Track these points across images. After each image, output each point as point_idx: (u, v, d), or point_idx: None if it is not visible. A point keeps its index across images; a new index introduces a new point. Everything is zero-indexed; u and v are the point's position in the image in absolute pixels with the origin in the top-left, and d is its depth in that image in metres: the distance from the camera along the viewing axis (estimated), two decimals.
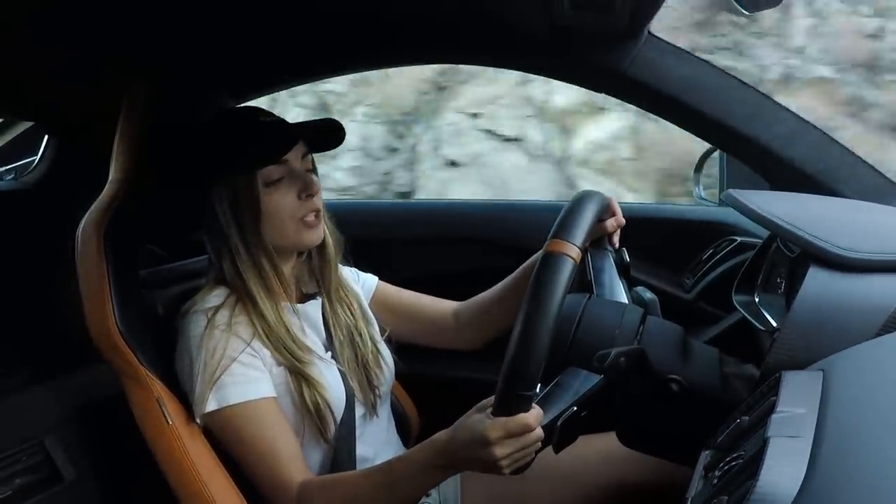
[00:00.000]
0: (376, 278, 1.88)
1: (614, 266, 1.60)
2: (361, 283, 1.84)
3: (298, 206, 1.53)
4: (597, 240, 1.63)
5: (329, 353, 1.62)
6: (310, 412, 1.51)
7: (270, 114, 1.58)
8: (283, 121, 1.58)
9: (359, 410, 1.61)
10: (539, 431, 1.22)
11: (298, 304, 1.63)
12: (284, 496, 1.45)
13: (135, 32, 1.63)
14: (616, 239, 1.65)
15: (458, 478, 1.72)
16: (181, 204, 1.56)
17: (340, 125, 1.59)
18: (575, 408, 1.28)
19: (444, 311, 1.85)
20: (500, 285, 1.79)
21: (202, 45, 1.80)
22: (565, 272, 1.18)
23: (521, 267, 1.74)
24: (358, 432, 1.61)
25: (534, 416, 1.21)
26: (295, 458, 1.48)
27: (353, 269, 1.85)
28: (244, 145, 1.51)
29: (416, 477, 1.37)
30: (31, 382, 1.98)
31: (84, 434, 1.88)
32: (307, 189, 1.53)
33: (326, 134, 1.59)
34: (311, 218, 1.54)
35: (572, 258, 1.20)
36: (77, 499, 1.92)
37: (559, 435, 1.27)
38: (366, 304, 1.81)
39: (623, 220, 1.63)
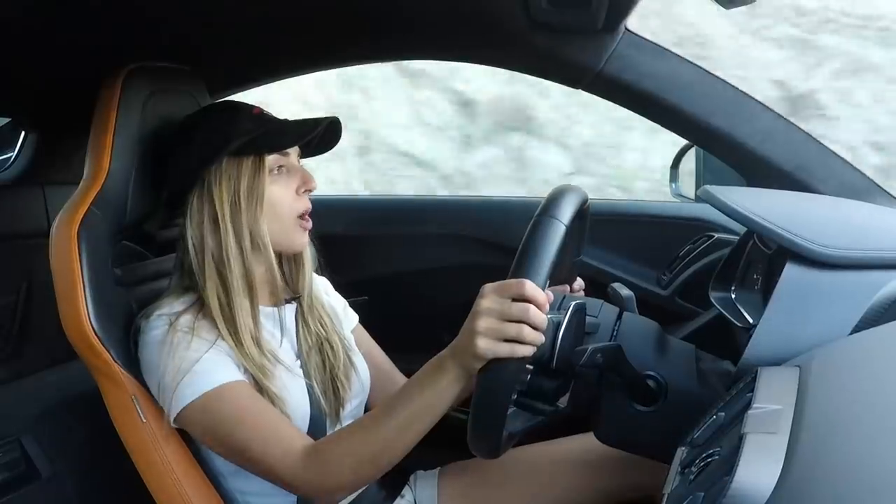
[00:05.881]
0: (357, 317, 1.84)
1: None
2: (344, 314, 1.80)
3: (295, 200, 1.52)
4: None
5: (299, 363, 1.57)
6: None
7: (270, 114, 1.57)
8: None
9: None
10: (535, 312, 1.17)
11: (272, 307, 1.59)
12: (290, 462, 1.36)
13: (112, 26, 1.62)
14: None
15: (435, 481, 1.71)
16: (167, 195, 1.55)
17: (339, 123, 1.58)
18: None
19: (395, 380, 1.80)
20: None
21: (178, 40, 1.79)
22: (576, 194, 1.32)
23: None
24: None
25: (533, 286, 1.17)
26: (289, 424, 1.41)
27: (343, 300, 1.83)
28: (261, 128, 1.49)
29: (423, 385, 1.30)
30: (7, 380, 1.97)
31: (60, 431, 1.87)
32: (306, 184, 1.52)
33: (326, 135, 1.59)
34: (306, 218, 1.53)
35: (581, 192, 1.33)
36: (53, 495, 1.91)
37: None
38: (344, 326, 1.75)
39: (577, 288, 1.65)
